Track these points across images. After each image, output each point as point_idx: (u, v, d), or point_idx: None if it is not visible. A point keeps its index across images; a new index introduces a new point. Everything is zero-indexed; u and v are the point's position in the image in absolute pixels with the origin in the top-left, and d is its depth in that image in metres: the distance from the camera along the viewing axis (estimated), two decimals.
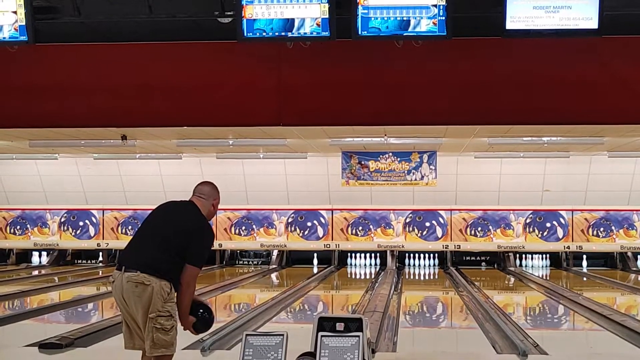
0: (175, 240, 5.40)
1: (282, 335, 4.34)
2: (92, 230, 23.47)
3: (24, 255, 23.97)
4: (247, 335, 4.36)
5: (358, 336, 4.28)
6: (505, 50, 7.16)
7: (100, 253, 23.86)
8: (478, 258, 23.31)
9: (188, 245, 5.39)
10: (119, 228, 23.36)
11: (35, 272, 21.62)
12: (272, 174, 22.53)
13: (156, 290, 5.22)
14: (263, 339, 4.32)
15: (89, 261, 24.19)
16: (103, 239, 23.38)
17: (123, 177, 23.13)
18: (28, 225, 23.70)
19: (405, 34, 7.39)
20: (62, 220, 23.62)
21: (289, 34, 7.73)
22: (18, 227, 23.72)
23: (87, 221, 23.50)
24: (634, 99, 6.88)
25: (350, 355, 4.19)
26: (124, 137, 16.84)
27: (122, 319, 5.53)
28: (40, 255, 23.99)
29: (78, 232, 23.52)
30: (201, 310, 5.58)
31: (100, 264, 23.54)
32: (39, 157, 21.72)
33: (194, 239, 5.43)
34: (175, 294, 5.37)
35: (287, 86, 6.95)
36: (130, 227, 23.27)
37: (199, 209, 5.69)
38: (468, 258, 23.23)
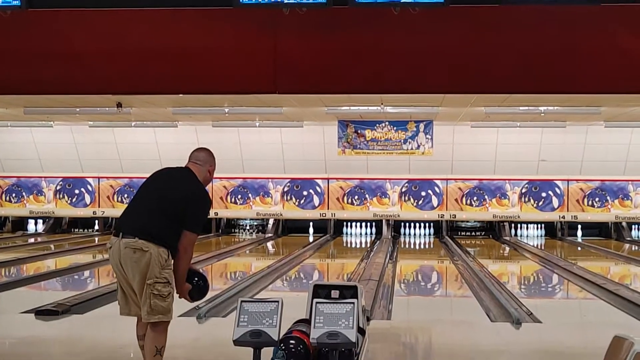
0: (172, 207, 5.36)
1: (277, 302, 4.34)
2: (87, 199, 23.46)
3: (20, 223, 23.99)
4: (242, 302, 4.37)
5: (353, 303, 4.29)
6: (504, 18, 7.11)
7: (97, 221, 23.87)
8: (473, 233, 23.40)
9: (185, 212, 5.35)
10: (115, 196, 23.34)
11: (31, 240, 21.64)
12: (268, 142, 22.48)
13: (154, 256, 5.20)
14: (258, 305, 4.33)
15: (85, 229, 24.21)
16: (99, 207, 23.37)
17: (119, 145, 23.07)
18: (24, 193, 23.67)
19: (402, 1, 7.34)
20: (58, 188, 23.59)
21: (285, 0, 7.67)
22: (14, 194, 23.69)
23: (82, 189, 23.48)
24: (632, 68, 6.84)
25: (345, 321, 4.20)
26: (119, 105, 16.79)
27: (118, 285, 5.50)
28: (36, 223, 24.00)
29: (74, 200, 23.51)
30: (196, 279, 5.58)
31: (97, 232, 23.56)
32: (34, 124, 21.65)
33: (191, 205, 5.40)
34: (172, 261, 5.34)
35: (283, 53, 6.91)
36: (126, 195, 23.24)
37: (195, 175, 5.63)
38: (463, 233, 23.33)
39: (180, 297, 5.49)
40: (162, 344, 5.36)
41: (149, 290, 5.19)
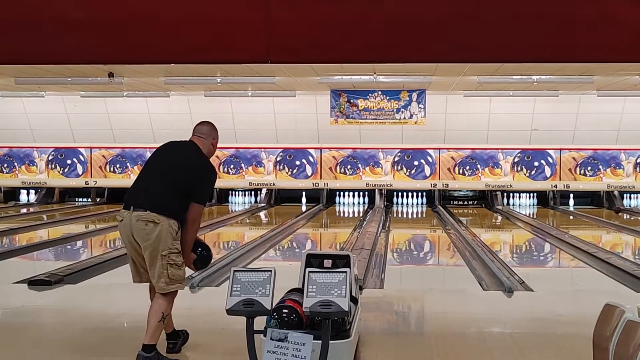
0: (181, 181, 5.51)
1: (270, 271, 4.35)
2: (80, 169, 23.41)
3: (12, 193, 23.95)
4: (234, 271, 4.37)
5: (345, 272, 4.29)
6: None
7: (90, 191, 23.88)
8: (466, 202, 23.47)
9: (194, 185, 5.52)
10: (107, 166, 23.30)
11: (24, 210, 21.60)
12: (261, 112, 22.43)
13: (165, 228, 5.37)
14: (251, 275, 4.34)
15: (77, 199, 24.19)
16: (91, 177, 23.33)
17: (111, 115, 22.99)
18: (15, 164, 23.61)
19: None
20: (50, 158, 23.53)
21: None
22: (5, 165, 23.63)
23: (74, 159, 23.42)
24: (625, 36, 6.82)
25: (338, 290, 4.21)
26: (110, 75, 16.70)
27: (129, 256, 5.70)
28: (28, 194, 23.97)
29: (66, 170, 23.46)
30: (200, 249, 5.74)
31: (89, 202, 23.53)
32: (25, 94, 21.55)
33: (199, 179, 5.57)
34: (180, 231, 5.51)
35: (276, 21, 6.85)
36: (118, 166, 23.21)
37: (200, 149, 5.79)
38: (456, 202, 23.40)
39: (185, 266, 5.59)
40: (169, 312, 5.57)
41: (164, 261, 5.38)
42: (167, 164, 5.68)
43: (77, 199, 24.17)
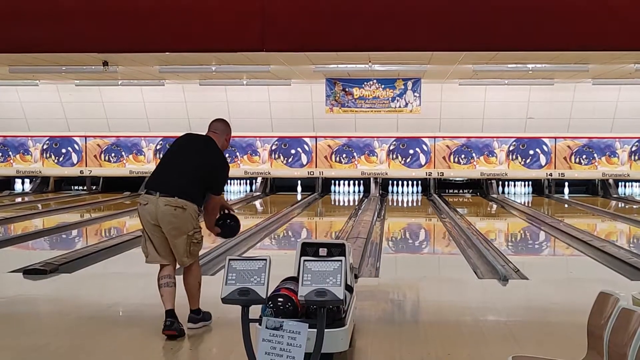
0: (203, 173, 6.25)
1: (265, 260, 4.34)
2: (75, 158, 23.37)
3: (7, 183, 23.90)
4: (230, 260, 4.37)
5: (340, 261, 4.29)
6: None
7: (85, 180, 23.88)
8: (461, 191, 23.51)
9: (213, 178, 6.36)
10: (102, 155, 23.26)
11: (19, 199, 21.58)
12: (256, 101, 22.40)
13: (191, 212, 6.12)
14: (246, 263, 4.33)
15: (72, 188, 24.16)
16: (86, 166, 23.30)
17: (105, 104, 22.94)
18: (10, 153, 23.56)
19: None
20: (45, 147, 23.49)
21: None
22: (0, 154, 23.57)
23: (69, 148, 23.39)
24: (620, 24, 6.81)
25: (333, 279, 4.20)
26: (105, 63, 16.65)
27: (146, 238, 6.28)
28: (23, 183, 23.93)
29: (61, 159, 23.42)
30: (229, 220, 6.62)
31: (84, 191, 23.50)
32: (19, 83, 21.49)
33: (218, 173, 6.42)
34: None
35: (271, 10, 6.83)
36: (113, 154, 23.18)
37: (216, 143, 6.46)
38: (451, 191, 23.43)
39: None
40: (200, 277, 6.47)
41: (189, 240, 6.17)
42: (191, 157, 6.34)
43: (72, 187, 24.13)
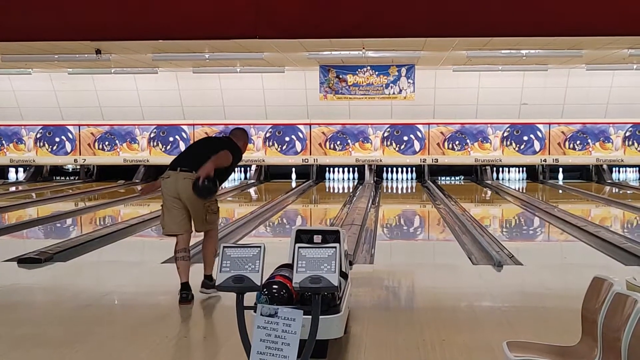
0: (217, 150, 7.05)
1: (260, 247, 4.34)
2: (68, 146, 23.32)
3: (1, 172, 23.85)
4: (224, 247, 4.36)
5: (335, 247, 4.29)
6: None
7: (71, 168, 23.85)
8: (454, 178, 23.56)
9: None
10: (96, 144, 23.22)
11: (12, 189, 21.54)
12: (250, 88, 22.36)
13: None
14: (240, 251, 4.32)
15: (66, 177, 24.13)
16: (80, 154, 23.26)
17: (99, 93, 22.88)
18: (3, 142, 23.50)
19: None
20: (38, 136, 23.43)
21: None
22: None
23: (63, 137, 23.34)
24: (614, 9, 6.80)
25: (327, 266, 4.20)
26: (98, 52, 16.60)
27: (167, 209, 7.00)
28: (16, 172, 23.89)
29: (54, 148, 23.37)
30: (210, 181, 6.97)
31: (78, 180, 23.47)
32: (12, 72, 21.41)
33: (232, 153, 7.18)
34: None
35: None
36: (107, 143, 23.13)
37: (234, 140, 7.36)
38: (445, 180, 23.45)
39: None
40: (217, 246, 7.06)
41: (205, 209, 7.01)
42: (206, 144, 7.44)
43: (67, 177, 24.11)
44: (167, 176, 7.01)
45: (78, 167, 23.90)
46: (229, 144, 7.24)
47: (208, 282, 6.98)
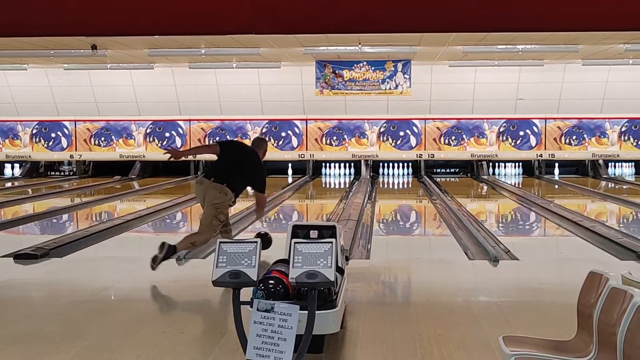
0: (246, 176, 8.09)
1: (256, 242, 4.34)
2: (64, 142, 23.30)
3: None
4: (220, 243, 4.36)
5: (331, 243, 4.29)
6: None
7: (71, 163, 23.80)
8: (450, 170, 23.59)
9: (255, 181, 8.25)
10: (92, 139, 23.20)
11: (8, 184, 21.51)
12: (246, 83, 22.34)
13: (228, 197, 7.86)
14: (236, 246, 4.33)
15: (62, 173, 24.10)
16: (76, 150, 23.23)
17: (95, 88, 22.84)
18: None
19: None
20: (34, 132, 23.40)
21: None
22: None
23: (59, 132, 23.31)
24: (610, 5, 6.82)
25: (324, 261, 4.21)
26: (94, 47, 16.57)
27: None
28: (12, 167, 23.85)
29: (50, 143, 23.35)
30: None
31: (74, 176, 23.44)
32: (7, 67, 21.38)
33: (259, 178, 8.25)
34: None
35: None
36: (103, 139, 23.11)
37: (259, 157, 8.24)
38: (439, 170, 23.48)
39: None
40: (196, 244, 8.06)
41: (214, 213, 7.82)
42: (238, 162, 8.06)
43: (62, 172, 24.09)
44: (201, 182, 8.03)
45: (74, 168, 23.87)
46: (256, 166, 8.18)
47: (168, 250, 7.71)
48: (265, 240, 8.04)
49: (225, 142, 8.79)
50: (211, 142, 22.51)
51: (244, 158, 8.18)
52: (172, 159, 8.30)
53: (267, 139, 22.13)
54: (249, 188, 8.54)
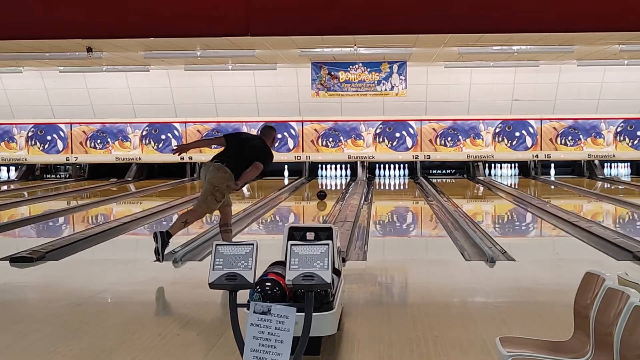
0: (248, 158, 8.17)
1: (252, 244, 4.34)
2: (60, 145, 23.26)
3: None
4: (217, 245, 4.36)
5: (327, 244, 4.29)
6: None
7: (70, 167, 23.77)
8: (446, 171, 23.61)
9: (261, 159, 8.28)
10: (88, 142, 23.17)
11: (4, 187, 21.47)
12: (241, 85, 22.33)
13: (226, 176, 8.01)
14: (233, 248, 4.32)
15: (58, 175, 24.07)
16: (72, 153, 23.20)
17: (90, 90, 22.81)
18: None
19: None
20: (30, 134, 23.37)
21: None
22: None
23: (54, 135, 23.27)
24: (604, 5, 6.83)
25: (320, 263, 4.20)
26: (89, 49, 16.54)
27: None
28: (8, 170, 23.81)
29: (46, 146, 23.31)
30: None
31: (70, 178, 23.42)
32: (2, 70, 21.35)
33: (262, 157, 8.28)
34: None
35: None
36: (99, 141, 23.08)
37: (266, 143, 8.43)
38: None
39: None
40: (189, 221, 8.25)
41: (211, 191, 8.00)
42: (241, 147, 8.25)
43: (58, 174, 24.07)
44: (204, 165, 8.33)
45: (70, 172, 23.85)
46: (262, 151, 8.31)
47: (166, 237, 7.91)
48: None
49: (230, 133, 9.03)
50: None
51: (246, 141, 8.42)
52: (180, 154, 9.00)
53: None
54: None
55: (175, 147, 9.02)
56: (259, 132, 8.76)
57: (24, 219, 13.94)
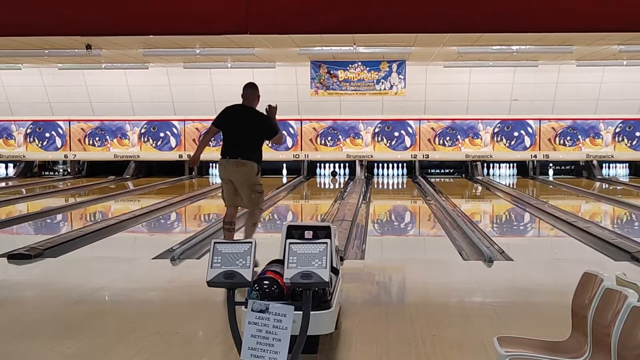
0: (255, 137, 8.46)
1: (250, 242, 4.33)
2: (58, 142, 23.25)
3: None
4: (215, 243, 4.35)
5: (326, 243, 4.29)
6: None
7: (68, 164, 23.76)
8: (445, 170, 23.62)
9: (265, 134, 8.53)
10: (86, 139, 23.15)
11: (2, 184, 21.46)
12: (240, 84, 22.14)
13: (250, 169, 8.25)
14: (231, 246, 4.32)
15: (56, 172, 24.06)
16: (70, 150, 23.18)
17: (89, 88, 22.79)
18: None
19: None
20: (28, 131, 23.35)
21: None
22: None
23: (53, 132, 23.26)
24: (604, 5, 6.83)
25: (318, 261, 4.20)
26: (88, 47, 16.53)
27: (225, 189, 8.48)
28: (6, 167, 23.80)
29: (44, 143, 23.30)
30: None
31: (68, 176, 23.40)
32: (1, 67, 21.32)
33: (266, 130, 8.52)
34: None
35: None
36: (97, 138, 23.07)
37: (256, 110, 8.61)
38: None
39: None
40: (257, 221, 8.65)
41: (251, 189, 8.29)
42: (241, 130, 8.41)
43: (57, 172, 24.06)
44: (221, 164, 8.37)
45: (69, 169, 23.84)
46: (258, 124, 8.47)
47: None
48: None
49: (217, 119, 8.82)
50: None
51: (237, 119, 8.55)
52: (195, 164, 9.29)
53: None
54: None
55: (190, 163, 9.81)
56: (242, 96, 8.88)
57: (22, 216, 13.93)
